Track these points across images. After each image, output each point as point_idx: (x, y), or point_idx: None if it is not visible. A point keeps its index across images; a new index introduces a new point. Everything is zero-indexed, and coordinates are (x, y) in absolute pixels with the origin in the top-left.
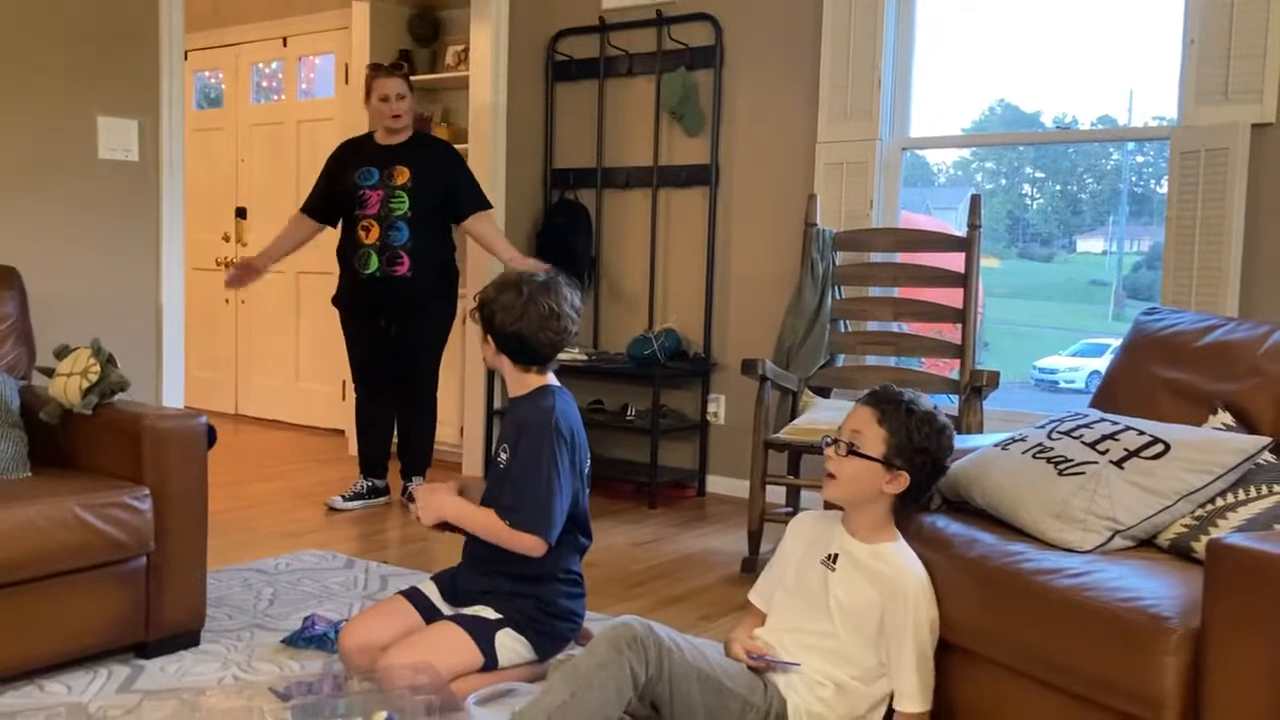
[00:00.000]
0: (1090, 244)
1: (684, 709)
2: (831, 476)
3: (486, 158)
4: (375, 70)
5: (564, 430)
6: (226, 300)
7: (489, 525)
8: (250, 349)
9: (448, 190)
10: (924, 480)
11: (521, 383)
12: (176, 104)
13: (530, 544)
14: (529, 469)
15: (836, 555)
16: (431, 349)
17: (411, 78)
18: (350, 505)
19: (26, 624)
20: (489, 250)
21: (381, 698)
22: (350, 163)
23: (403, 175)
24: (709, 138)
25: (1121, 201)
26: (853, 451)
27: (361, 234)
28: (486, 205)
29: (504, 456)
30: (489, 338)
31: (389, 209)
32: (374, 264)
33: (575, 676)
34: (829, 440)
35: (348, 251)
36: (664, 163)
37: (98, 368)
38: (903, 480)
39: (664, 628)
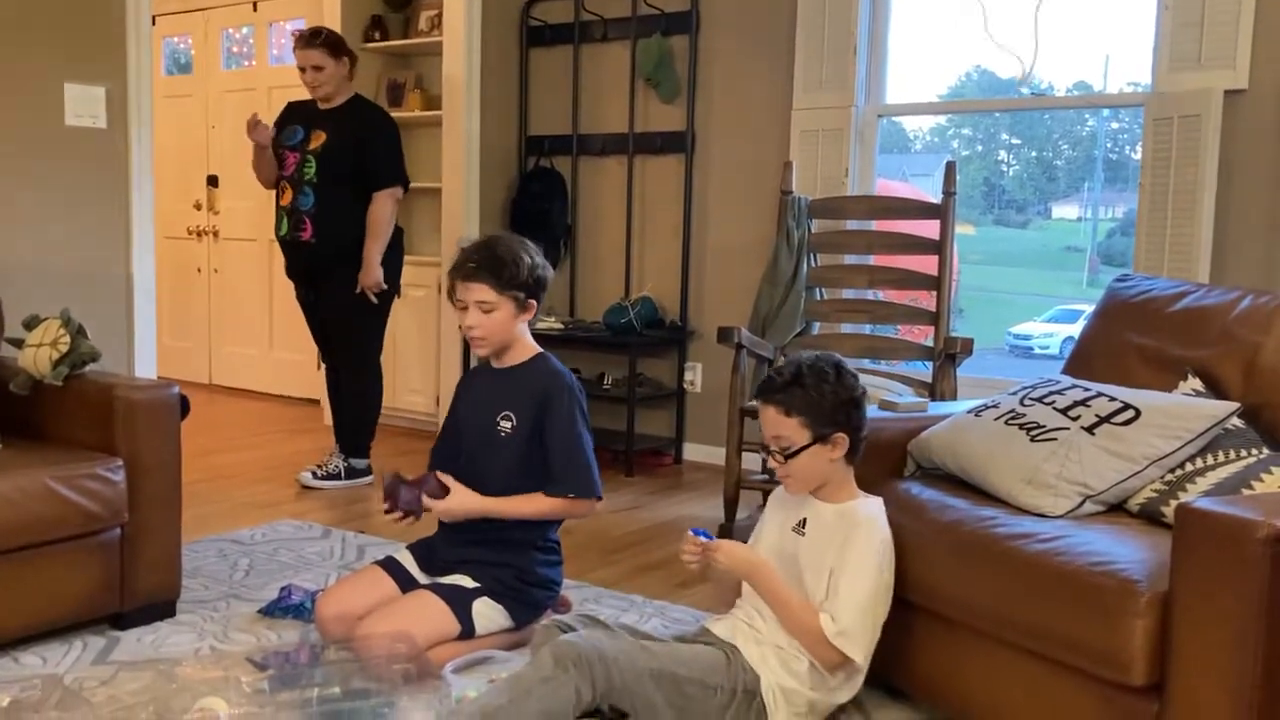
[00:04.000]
0: (1065, 210)
1: (648, 710)
2: (788, 476)
3: (461, 124)
4: (295, 40)
5: (579, 390)
6: (199, 269)
7: (539, 507)
8: (223, 318)
9: (359, 159)
10: (857, 420)
11: (520, 347)
12: (145, 70)
13: (588, 509)
14: (568, 436)
15: (805, 519)
16: (353, 317)
17: (383, 44)
18: (322, 485)
19: (0, 596)
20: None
21: (359, 666)
22: (285, 119)
23: (319, 139)
24: (685, 104)
25: (1096, 168)
26: (787, 454)
27: (279, 195)
28: (395, 182)
29: (508, 425)
30: (515, 296)
31: (301, 173)
32: (285, 228)
33: (517, 684)
34: (765, 451)
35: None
36: (640, 129)
37: (67, 338)
38: (842, 439)
39: (607, 639)
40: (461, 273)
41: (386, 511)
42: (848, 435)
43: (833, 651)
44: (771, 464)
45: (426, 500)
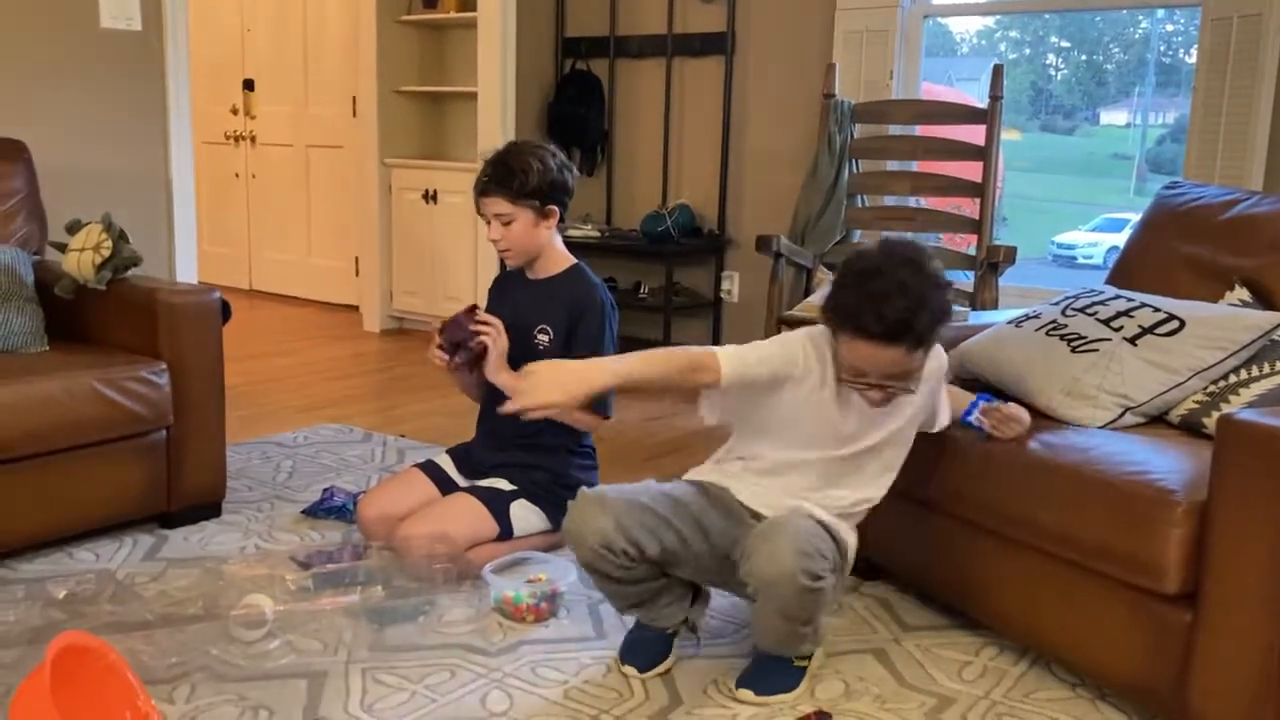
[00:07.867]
0: (1114, 116)
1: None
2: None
3: (497, 25)
4: None
5: (612, 306)
6: (237, 175)
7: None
8: (263, 224)
9: None
10: None
11: (552, 257)
12: None
13: (594, 423)
14: (592, 352)
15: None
16: None
17: None
18: None
19: (53, 494)
20: None
21: (400, 566)
22: None
23: None
24: (725, 4)
25: (1148, 72)
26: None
27: None
28: None
29: (545, 339)
30: (531, 205)
31: None
32: None
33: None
34: (884, 389)
35: None
36: (679, 30)
37: (109, 243)
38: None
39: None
40: (478, 188)
41: (438, 332)
42: None
43: None
44: (885, 396)
45: (485, 336)
